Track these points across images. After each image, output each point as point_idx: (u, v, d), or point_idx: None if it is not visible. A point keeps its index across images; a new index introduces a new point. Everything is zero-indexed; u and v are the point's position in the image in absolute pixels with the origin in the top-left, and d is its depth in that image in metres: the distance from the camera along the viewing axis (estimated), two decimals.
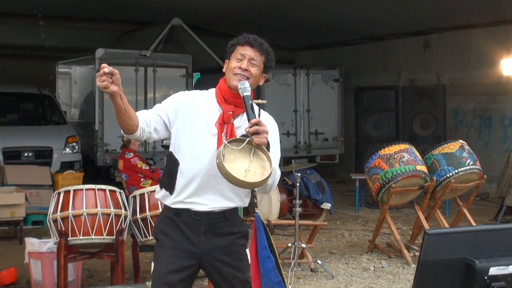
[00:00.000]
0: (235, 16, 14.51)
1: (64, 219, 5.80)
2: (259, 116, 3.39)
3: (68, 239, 5.79)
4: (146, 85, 13.25)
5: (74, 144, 12.35)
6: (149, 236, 6.19)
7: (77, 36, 16.26)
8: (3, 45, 16.82)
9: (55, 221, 5.85)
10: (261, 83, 3.52)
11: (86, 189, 5.93)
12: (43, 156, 11.94)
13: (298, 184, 7.15)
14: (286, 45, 17.81)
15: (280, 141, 3.61)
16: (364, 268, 7.54)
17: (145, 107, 13.13)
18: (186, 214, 3.46)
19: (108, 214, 5.86)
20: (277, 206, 7.43)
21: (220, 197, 3.44)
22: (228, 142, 3.29)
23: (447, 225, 8.24)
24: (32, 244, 6.39)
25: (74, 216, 5.78)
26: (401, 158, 7.75)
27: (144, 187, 7.92)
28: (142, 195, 6.19)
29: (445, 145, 8.19)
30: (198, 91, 3.58)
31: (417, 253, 7.54)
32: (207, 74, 16.30)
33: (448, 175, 7.92)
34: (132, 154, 9.49)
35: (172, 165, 3.48)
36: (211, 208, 3.44)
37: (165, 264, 3.46)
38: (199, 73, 16.81)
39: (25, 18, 15.24)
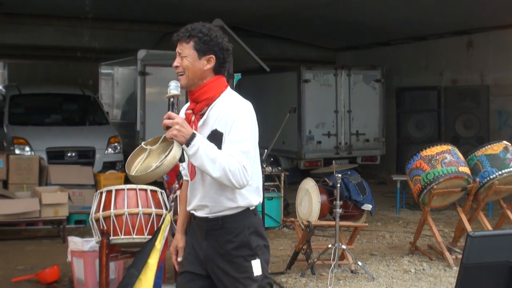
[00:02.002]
0: (276, 17, 14.51)
1: (106, 218, 5.86)
2: (208, 106, 3.33)
3: (110, 238, 5.85)
4: None
5: (116, 144, 12.50)
6: None
7: (118, 37, 16.42)
8: (48, 47, 17.05)
9: (97, 220, 5.91)
10: (207, 67, 3.31)
11: (128, 189, 5.98)
12: (86, 156, 12.11)
13: (338, 185, 7.12)
14: (327, 46, 17.75)
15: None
16: (405, 270, 7.47)
17: None
18: (194, 218, 3.46)
19: (149, 214, 5.90)
20: (318, 207, 7.41)
21: (211, 202, 3.33)
22: (145, 143, 3.26)
23: (490, 228, 8.11)
24: (75, 243, 6.47)
25: (116, 216, 5.83)
26: (443, 159, 7.66)
27: None
28: None
29: (489, 146, 8.06)
30: None
31: (459, 256, 7.46)
32: (248, 75, 16.37)
33: (491, 177, 7.80)
34: None
35: None
36: (206, 214, 3.36)
37: (184, 263, 3.52)
38: (240, 74, 16.86)
39: (69, 20, 15.43)
